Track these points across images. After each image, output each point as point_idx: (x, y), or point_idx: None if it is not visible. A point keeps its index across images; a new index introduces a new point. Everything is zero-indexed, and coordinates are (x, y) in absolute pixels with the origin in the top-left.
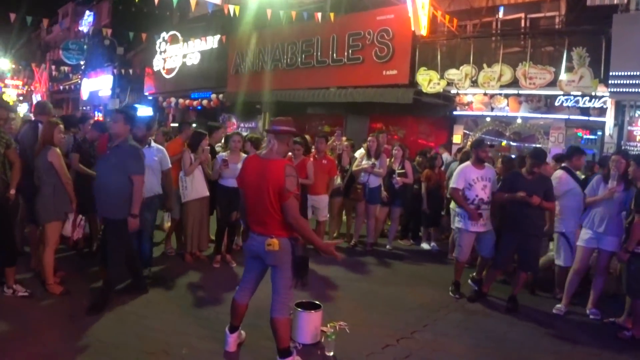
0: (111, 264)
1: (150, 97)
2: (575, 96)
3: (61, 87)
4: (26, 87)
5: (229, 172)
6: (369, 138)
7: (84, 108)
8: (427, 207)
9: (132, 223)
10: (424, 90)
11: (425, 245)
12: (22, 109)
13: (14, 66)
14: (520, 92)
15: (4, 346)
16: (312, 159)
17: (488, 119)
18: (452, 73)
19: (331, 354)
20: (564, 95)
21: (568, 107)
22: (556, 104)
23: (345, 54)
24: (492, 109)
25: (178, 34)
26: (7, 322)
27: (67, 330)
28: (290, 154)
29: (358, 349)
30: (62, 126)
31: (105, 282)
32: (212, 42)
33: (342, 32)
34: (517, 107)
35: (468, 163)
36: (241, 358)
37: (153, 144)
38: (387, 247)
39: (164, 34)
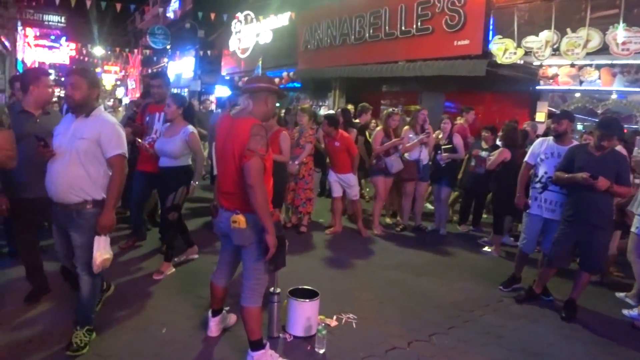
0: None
1: (227, 77)
2: None
3: (149, 71)
4: (122, 72)
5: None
6: (394, 116)
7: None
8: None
9: None
10: (499, 61)
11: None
12: (119, 93)
13: (108, 52)
14: (614, 62)
15: None
16: (327, 139)
17: (577, 95)
18: (530, 41)
19: (322, 351)
20: None
21: None
22: None
23: (414, 25)
24: (581, 83)
25: (251, 13)
26: None
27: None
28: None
29: (356, 348)
30: None
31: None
32: (282, 19)
33: (411, 1)
34: (611, 81)
35: (549, 137)
36: (219, 344)
37: (101, 114)
38: (441, 232)
39: (238, 14)
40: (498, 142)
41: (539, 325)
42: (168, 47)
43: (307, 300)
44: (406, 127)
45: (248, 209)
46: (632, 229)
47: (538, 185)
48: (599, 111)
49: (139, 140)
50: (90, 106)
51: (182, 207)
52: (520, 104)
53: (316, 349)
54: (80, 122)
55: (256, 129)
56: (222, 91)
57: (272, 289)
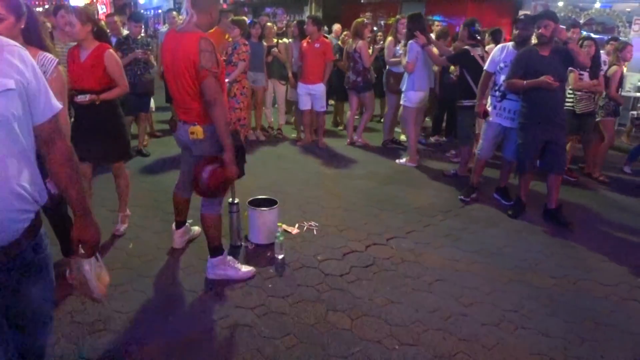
0: None
1: None
2: None
3: None
4: None
5: None
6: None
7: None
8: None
9: None
10: None
11: None
12: None
13: None
14: None
15: None
16: (305, 43)
17: (560, 4)
18: None
19: (280, 257)
20: None
21: None
22: None
23: None
24: None
25: None
26: None
27: None
28: None
29: (315, 253)
30: None
31: None
32: None
33: None
34: None
35: (507, 44)
36: (185, 254)
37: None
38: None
39: None
40: None
41: (498, 229)
42: None
43: (266, 209)
44: (390, 39)
45: (205, 120)
46: (401, 101)
47: (497, 93)
48: (581, 21)
49: None
50: None
51: None
52: (503, 12)
53: (276, 255)
54: None
55: (203, 43)
56: None
57: (230, 200)
